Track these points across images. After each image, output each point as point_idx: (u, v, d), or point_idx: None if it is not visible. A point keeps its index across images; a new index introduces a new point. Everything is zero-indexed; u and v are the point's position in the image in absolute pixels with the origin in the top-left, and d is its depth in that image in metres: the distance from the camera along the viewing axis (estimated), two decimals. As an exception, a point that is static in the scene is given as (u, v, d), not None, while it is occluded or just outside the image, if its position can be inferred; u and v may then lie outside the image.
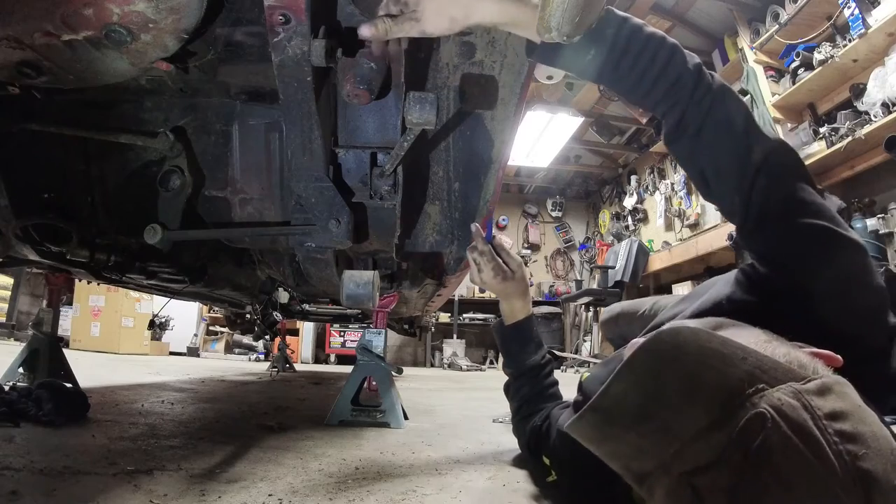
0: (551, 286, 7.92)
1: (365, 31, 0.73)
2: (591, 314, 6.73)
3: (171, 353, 5.95)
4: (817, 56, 3.60)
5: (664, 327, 0.50)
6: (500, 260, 1.18)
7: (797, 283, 0.66)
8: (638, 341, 0.57)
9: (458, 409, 2.32)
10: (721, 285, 0.79)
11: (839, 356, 0.52)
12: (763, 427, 0.42)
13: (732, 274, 0.77)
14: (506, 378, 1.30)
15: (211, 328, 6.56)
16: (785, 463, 0.41)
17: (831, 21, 3.58)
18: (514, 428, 1.26)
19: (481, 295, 7.29)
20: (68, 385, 1.63)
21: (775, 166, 0.69)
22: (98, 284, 2.31)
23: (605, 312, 1.74)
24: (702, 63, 0.75)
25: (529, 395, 1.20)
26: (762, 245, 0.71)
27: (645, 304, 1.55)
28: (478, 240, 1.18)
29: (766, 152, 0.70)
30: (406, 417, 1.81)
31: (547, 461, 1.01)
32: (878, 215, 3.30)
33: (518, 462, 1.26)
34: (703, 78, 0.73)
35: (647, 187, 6.58)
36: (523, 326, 1.23)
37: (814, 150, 3.61)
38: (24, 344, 1.97)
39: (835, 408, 0.44)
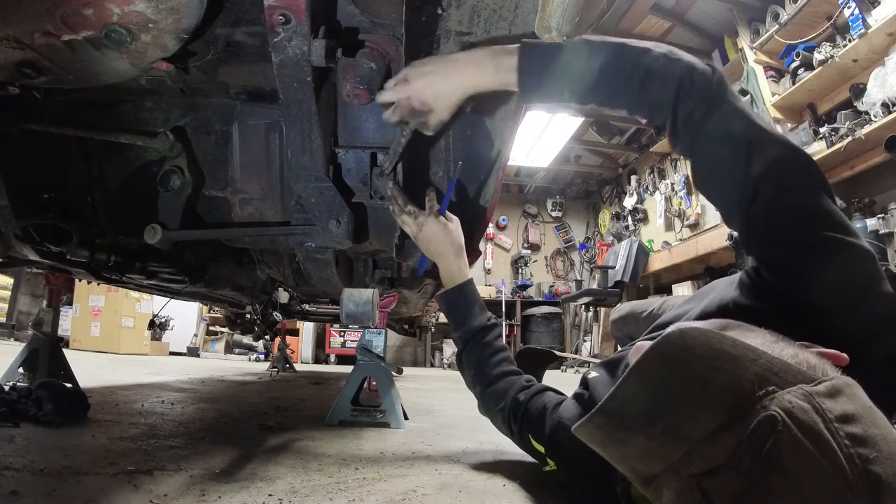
0: (551, 286, 7.92)
1: (391, 118, 0.92)
2: (591, 314, 6.73)
3: (171, 353, 5.95)
4: (817, 56, 3.60)
5: (671, 328, 0.49)
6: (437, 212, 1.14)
7: (804, 292, 0.65)
8: (644, 344, 0.56)
9: (457, 409, 2.32)
10: (724, 287, 0.78)
11: (845, 355, 0.52)
12: (774, 430, 0.42)
13: (735, 276, 0.76)
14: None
15: (211, 328, 6.56)
16: (795, 466, 0.41)
17: (831, 21, 3.58)
18: (483, 404, 1.18)
19: (482, 295, 7.28)
20: (68, 385, 1.63)
21: (781, 175, 0.68)
22: (98, 284, 2.30)
23: (615, 312, 1.75)
24: (691, 71, 0.74)
25: (485, 359, 1.15)
26: (767, 255, 0.70)
27: (653, 303, 1.55)
28: (430, 200, 1.14)
29: (769, 162, 0.68)
30: (406, 417, 1.81)
31: (540, 448, 1.00)
32: (878, 215, 3.30)
33: (518, 462, 1.26)
34: (690, 93, 0.73)
35: (647, 187, 6.59)
36: (465, 289, 1.20)
37: (814, 151, 3.61)
38: (24, 344, 1.97)
39: (845, 410, 0.43)
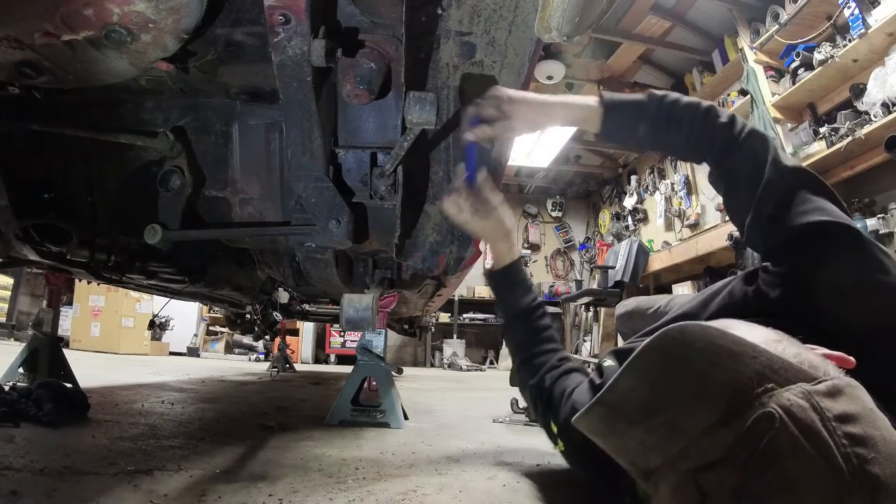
0: (551, 286, 7.92)
1: (470, 136, 0.99)
2: (591, 314, 6.72)
3: (171, 353, 5.94)
4: (817, 56, 3.59)
5: (675, 325, 0.50)
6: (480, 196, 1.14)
7: (808, 279, 0.69)
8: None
9: (458, 409, 2.32)
10: (734, 289, 0.81)
11: (851, 358, 0.52)
12: (771, 427, 0.42)
13: (750, 275, 0.80)
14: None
15: (211, 328, 6.55)
16: (791, 464, 0.41)
17: (831, 21, 3.58)
18: (517, 377, 1.20)
19: (481, 295, 7.29)
20: (68, 385, 1.63)
21: (790, 180, 0.77)
22: (98, 284, 2.30)
23: (620, 307, 1.73)
24: (733, 115, 0.88)
25: (524, 338, 1.17)
26: (771, 243, 0.76)
27: (659, 301, 1.54)
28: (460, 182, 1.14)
29: (781, 171, 0.78)
30: (406, 417, 1.81)
31: (555, 429, 1.00)
32: (878, 215, 3.29)
33: (518, 462, 1.26)
34: (733, 127, 0.86)
35: (647, 187, 6.58)
36: (511, 270, 1.21)
37: (814, 150, 3.61)
38: (24, 344, 1.97)
39: (845, 410, 0.43)
